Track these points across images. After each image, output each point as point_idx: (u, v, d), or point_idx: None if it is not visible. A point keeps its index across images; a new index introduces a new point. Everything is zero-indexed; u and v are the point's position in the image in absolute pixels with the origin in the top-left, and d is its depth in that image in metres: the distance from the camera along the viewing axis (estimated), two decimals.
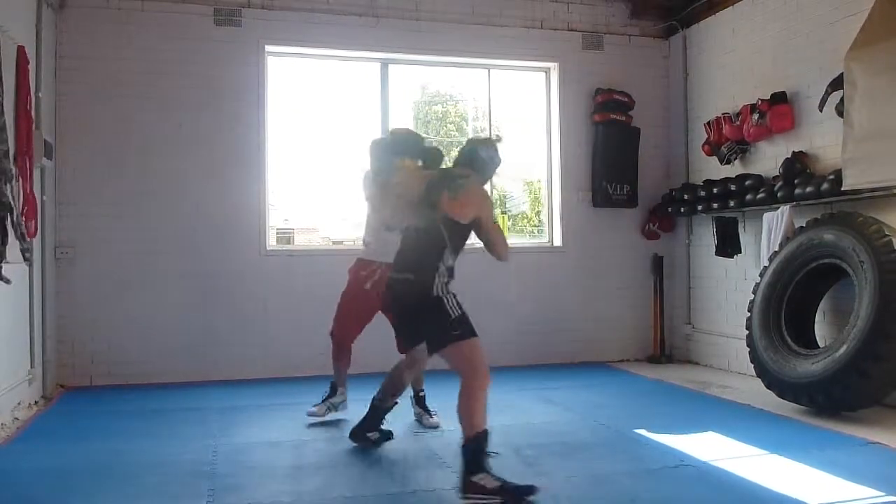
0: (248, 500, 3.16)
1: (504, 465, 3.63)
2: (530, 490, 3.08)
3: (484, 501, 3.04)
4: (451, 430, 4.32)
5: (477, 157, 3.60)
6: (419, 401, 4.56)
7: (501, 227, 3.64)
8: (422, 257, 3.41)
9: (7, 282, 4.15)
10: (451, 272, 3.42)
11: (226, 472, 3.54)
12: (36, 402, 5.05)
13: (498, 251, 3.52)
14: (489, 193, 3.72)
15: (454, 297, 3.36)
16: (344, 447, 4.00)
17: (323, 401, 4.55)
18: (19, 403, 4.74)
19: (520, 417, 4.64)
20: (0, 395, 4.39)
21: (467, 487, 3.07)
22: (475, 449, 3.12)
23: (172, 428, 4.44)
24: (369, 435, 4.02)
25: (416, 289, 3.36)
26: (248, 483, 3.38)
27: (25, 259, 4.42)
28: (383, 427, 4.09)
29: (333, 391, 4.60)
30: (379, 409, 4.05)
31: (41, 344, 5.24)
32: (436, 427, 4.35)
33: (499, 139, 3.78)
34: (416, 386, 4.56)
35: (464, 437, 3.16)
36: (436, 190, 3.45)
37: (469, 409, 3.19)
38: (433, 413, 4.46)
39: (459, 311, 3.33)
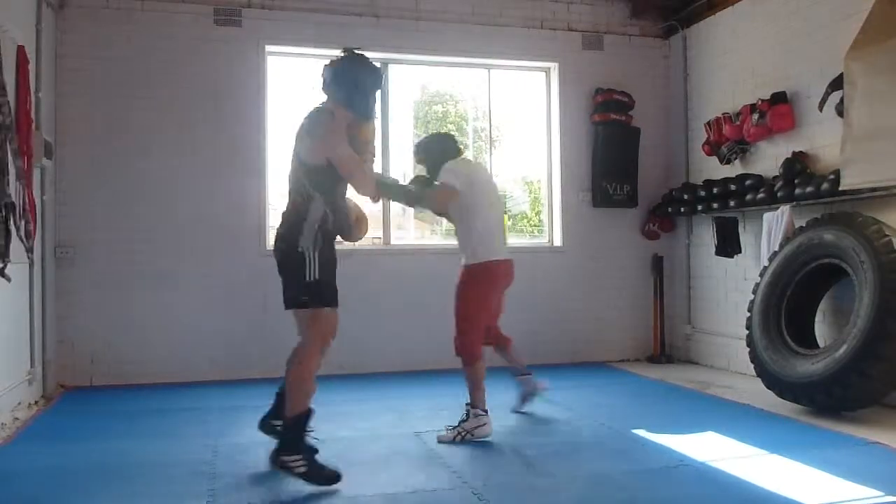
0: (248, 500, 3.16)
1: (505, 466, 3.65)
2: (335, 478, 3.18)
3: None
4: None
5: (323, 81, 3.42)
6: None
7: (361, 163, 3.30)
8: (290, 208, 3.33)
9: (7, 279, 4.15)
10: (325, 222, 3.26)
11: (226, 472, 3.54)
12: (36, 402, 5.05)
13: (356, 188, 3.32)
14: (341, 121, 3.31)
15: (319, 257, 3.22)
16: (343, 447, 4.00)
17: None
18: (19, 403, 4.74)
19: (520, 417, 4.64)
20: (0, 395, 4.40)
21: (279, 462, 3.20)
22: (294, 428, 3.19)
23: (172, 428, 4.44)
24: (276, 423, 3.59)
25: (284, 242, 3.30)
26: (248, 483, 3.38)
27: (28, 255, 4.41)
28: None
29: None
30: (281, 397, 3.60)
31: (41, 344, 5.24)
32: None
33: (347, 50, 3.49)
34: (518, 367, 4.65)
35: (286, 413, 3.21)
36: (298, 139, 3.35)
37: (298, 384, 3.23)
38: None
39: (317, 276, 3.22)
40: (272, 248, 3.46)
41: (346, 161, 3.25)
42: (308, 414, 3.24)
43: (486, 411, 4.09)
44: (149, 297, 5.85)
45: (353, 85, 3.39)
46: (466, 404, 4.13)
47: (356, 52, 3.49)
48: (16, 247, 4.28)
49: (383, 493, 3.23)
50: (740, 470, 3.49)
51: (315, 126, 3.32)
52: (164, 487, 3.33)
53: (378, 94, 3.55)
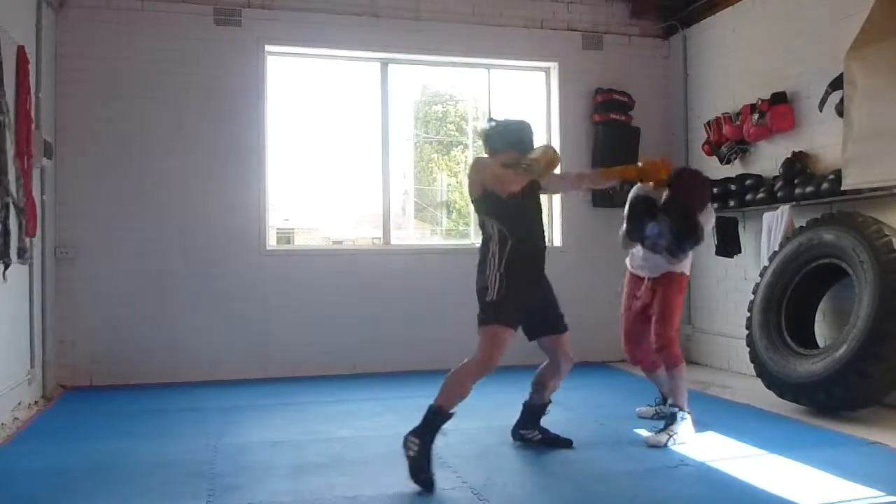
0: (248, 500, 3.17)
1: (505, 466, 3.65)
2: (424, 484, 3.27)
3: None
4: (451, 430, 4.32)
5: (484, 143, 3.89)
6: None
7: (501, 171, 3.59)
8: (481, 246, 3.75)
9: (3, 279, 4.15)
10: (503, 246, 3.58)
11: (226, 472, 3.55)
12: (36, 402, 5.05)
13: (501, 189, 3.57)
14: (482, 160, 3.82)
15: (499, 280, 3.55)
16: (344, 447, 4.00)
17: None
18: (19, 403, 4.74)
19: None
20: (0, 395, 4.39)
21: (405, 440, 3.42)
22: (432, 417, 3.44)
23: (172, 428, 4.44)
24: (524, 433, 4.03)
25: (477, 276, 3.69)
26: (248, 483, 3.38)
27: (21, 258, 4.40)
28: (557, 434, 4.02)
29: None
30: (530, 407, 4.06)
31: (41, 344, 5.24)
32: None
33: (493, 120, 3.90)
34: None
35: (434, 400, 3.48)
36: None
37: (453, 383, 3.52)
38: None
39: (495, 297, 3.54)
40: None
41: (492, 176, 3.60)
42: (448, 415, 3.47)
43: (689, 413, 4.10)
44: (149, 298, 5.85)
45: (507, 135, 3.79)
46: (670, 405, 4.14)
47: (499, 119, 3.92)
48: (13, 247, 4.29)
49: (383, 493, 3.24)
50: (740, 470, 3.49)
51: (469, 169, 3.88)
52: (164, 487, 3.33)
53: (531, 138, 3.85)
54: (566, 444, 3.98)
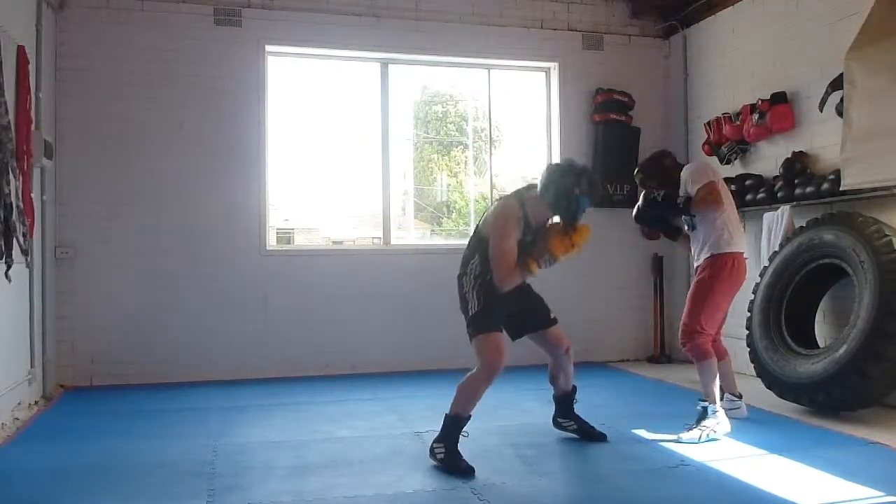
0: (248, 500, 3.16)
1: (505, 466, 3.65)
2: (465, 472, 3.44)
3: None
4: None
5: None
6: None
7: (507, 252, 3.57)
8: (465, 252, 3.80)
9: (7, 279, 4.14)
10: (483, 275, 3.64)
11: (226, 472, 3.55)
12: (36, 402, 5.05)
13: (493, 271, 3.60)
14: (511, 214, 3.66)
15: (477, 293, 3.63)
16: (343, 447, 4.00)
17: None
18: (19, 403, 4.74)
19: (520, 417, 4.64)
20: (0, 395, 4.39)
21: (430, 449, 3.65)
22: (450, 424, 3.59)
23: (172, 428, 4.44)
24: (561, 421, 4.11)
25: (459, 292, 3.75)
26: (248, 483, 3.38)
27: (24, 256, 4.39)
28: (589, 423, 4.06)
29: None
30: (557, 399, 4.12)
31: (41, 344, 5.24)
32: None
33: (566, 161, 3.88)
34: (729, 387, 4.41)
35: (449, 409, 3.61)
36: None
37: (464, 393, 3.62)
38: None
39: (476, 309, 3.63)
40: None
41: (495, 247, 3.61)
42: (465, 419, 3.60)
43: (722, 407, 4.08)
44: (149, 297, 5.85)
45: (559, 190, 3.66)
46: (700, 401, 4.07)
47: (573, 164, 3.79)
48: (15, 247, 4.27)
49: (383, 494, 3.23)
50: (740, 470, 3.49)
51: (496, 209, 3.76)
52: (164, 487, 3.33)
53: (586, 203, 3.71)
54: (600, 437, 4.02)
